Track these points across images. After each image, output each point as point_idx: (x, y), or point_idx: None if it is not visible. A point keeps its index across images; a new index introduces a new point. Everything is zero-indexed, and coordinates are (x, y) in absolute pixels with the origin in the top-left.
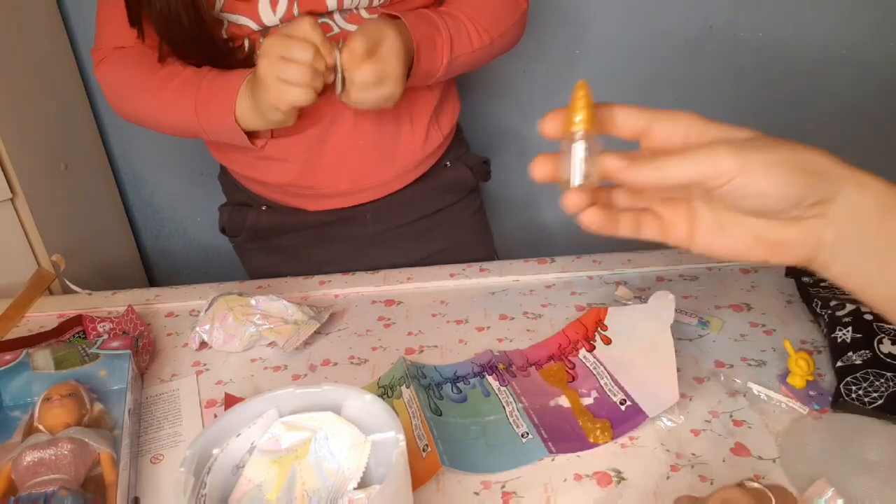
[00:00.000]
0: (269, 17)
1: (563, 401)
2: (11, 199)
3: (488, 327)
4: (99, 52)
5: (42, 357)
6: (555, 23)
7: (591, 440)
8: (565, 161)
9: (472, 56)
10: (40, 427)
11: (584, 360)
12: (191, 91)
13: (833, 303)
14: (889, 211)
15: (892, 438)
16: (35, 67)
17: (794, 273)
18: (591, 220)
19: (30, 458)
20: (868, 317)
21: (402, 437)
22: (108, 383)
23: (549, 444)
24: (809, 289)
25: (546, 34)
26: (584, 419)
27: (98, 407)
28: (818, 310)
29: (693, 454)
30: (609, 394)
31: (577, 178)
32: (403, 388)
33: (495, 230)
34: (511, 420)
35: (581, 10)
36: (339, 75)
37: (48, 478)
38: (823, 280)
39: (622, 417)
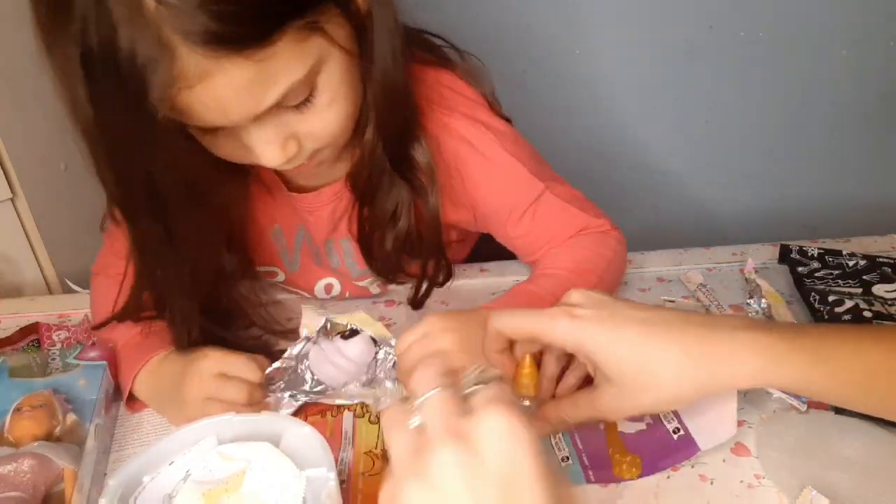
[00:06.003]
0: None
1: (602, 426)
2: (11, 199)
3: None
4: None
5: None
6: (555, 23)
7: (615, 473)
8: None
9: None
10: (10, 438)
11: None
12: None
13: (832, 298)
14: None
15: (872, 438)
16: (35, 67)
17: (789, 262)
18: None
19: None
20: (867, 314)
21: (332, 475)
22: (87, 393)
23: (589, 472)
24: (805, 280)
25: (546, 34)
26: (614, 449)
27: (72, 418)
28: (816, 304)
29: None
30: (664, 420)
31: None
32: None
33: None
34: (553, 443)
35: (581, 11)
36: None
37: (3, 495)
38: (817, 270)
39: (673, 447)
